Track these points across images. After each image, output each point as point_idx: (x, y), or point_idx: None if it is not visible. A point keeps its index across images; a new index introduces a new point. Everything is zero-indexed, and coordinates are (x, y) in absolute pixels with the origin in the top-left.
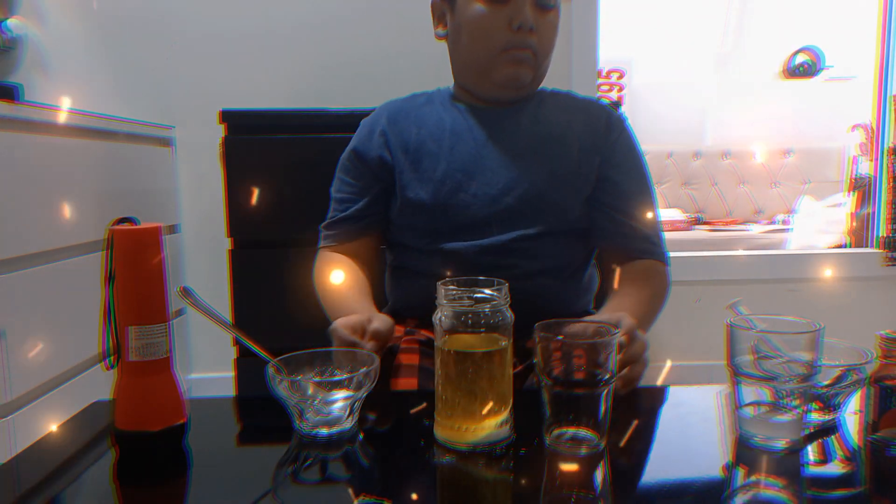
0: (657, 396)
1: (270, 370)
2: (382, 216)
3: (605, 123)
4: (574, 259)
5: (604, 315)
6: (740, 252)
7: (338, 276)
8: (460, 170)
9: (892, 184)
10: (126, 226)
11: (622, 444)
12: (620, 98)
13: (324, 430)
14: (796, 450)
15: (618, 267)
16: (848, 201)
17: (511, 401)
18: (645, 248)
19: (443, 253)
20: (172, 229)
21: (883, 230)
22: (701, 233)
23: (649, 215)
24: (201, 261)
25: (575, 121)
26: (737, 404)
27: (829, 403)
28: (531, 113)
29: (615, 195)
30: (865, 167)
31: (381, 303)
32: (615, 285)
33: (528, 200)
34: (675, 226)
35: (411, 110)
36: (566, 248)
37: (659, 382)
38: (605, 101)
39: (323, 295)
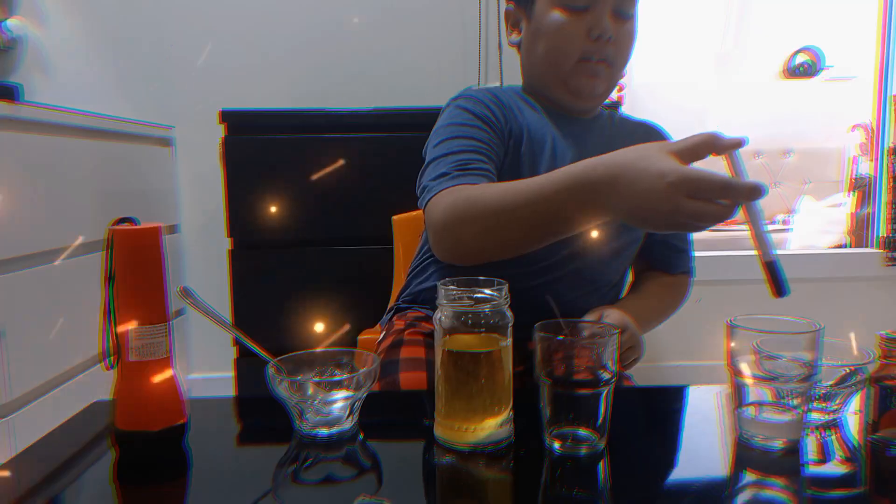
0: (657, 396)
1: (270, 370)
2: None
3: None
4: (621, 279)
5: (595, 313)
6: (740, 252)
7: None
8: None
9: (892, 184)
10: (126, 226)
11: (622, 444)
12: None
13: (324, 430)
14: (796, 450)
15: (650, 279)
16: (848, 201)
17: (511, 401)
18: (684, 268)
19: None
20: (172, 229)
21: (883, 230)
22: (701, 233)
23: (691, 236)
24: (201, 261)
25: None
26: (737, 404)
27: (831, 403)
28: (607, 131)
29: None
30: (865, 167)
31: (385, 300)
32: (636, 289)
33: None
34: None
35: (509, 99)
36: (619, 267)
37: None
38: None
39: (516, 190)
